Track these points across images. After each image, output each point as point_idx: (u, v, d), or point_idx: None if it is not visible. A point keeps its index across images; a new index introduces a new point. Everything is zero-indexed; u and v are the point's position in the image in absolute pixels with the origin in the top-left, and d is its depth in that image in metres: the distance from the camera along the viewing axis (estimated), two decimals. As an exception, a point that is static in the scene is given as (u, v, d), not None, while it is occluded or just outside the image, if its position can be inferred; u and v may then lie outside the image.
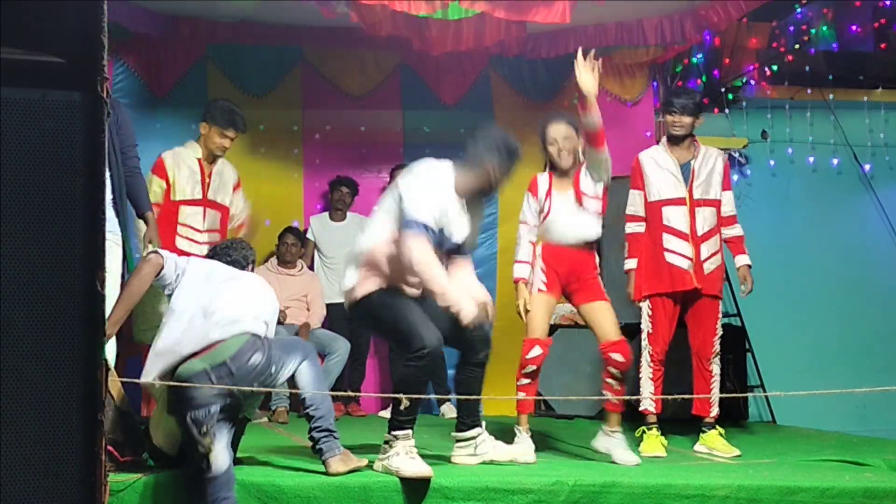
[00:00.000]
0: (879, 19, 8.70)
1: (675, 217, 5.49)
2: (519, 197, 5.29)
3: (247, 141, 6.73)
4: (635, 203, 5.62)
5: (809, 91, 8.50)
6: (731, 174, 6.07)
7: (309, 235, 7.54)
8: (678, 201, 5.49)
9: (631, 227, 5.63)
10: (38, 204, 2.32)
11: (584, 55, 4.87)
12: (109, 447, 3.82)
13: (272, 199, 7.57)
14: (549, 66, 8.03)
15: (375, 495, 4.03)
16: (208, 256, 4.64)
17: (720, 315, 5.61)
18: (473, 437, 4.60)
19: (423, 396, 4.32)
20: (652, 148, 5.76)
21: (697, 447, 5.50)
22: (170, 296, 4.22)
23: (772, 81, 8.46)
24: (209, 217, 6.16)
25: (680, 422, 5.93)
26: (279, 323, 5.98)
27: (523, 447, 4.82)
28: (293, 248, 7.25)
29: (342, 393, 5.80)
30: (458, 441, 4.64)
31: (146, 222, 5.42)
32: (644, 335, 5.54)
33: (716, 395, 5.49)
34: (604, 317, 4.99)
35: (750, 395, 7.40)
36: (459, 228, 4.47)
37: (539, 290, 5.04)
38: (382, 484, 4.07)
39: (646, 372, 5.45)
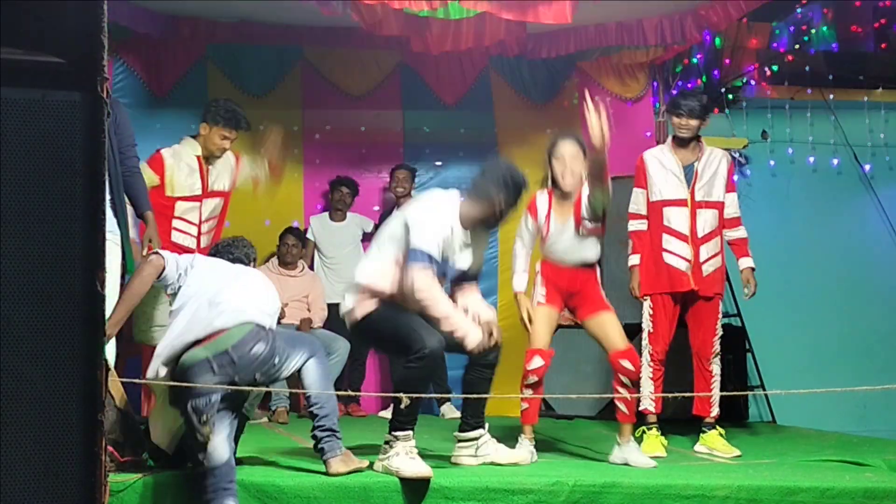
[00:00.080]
0: (879, 19, 8.70)
1: (676, 218, 5.49)
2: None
3: (247, 141, 6.72)
4: (638, 201, 5.62)
5: (809, 91, 8.48)
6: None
7: (309, 235, 7.54)
8: (680, 202, 5.49)
9: (634, 225, 5.64)
10: (38, 204, 2.31)
11: (593, 101, 4.49)
12: (109, 447, 3.82)
13: (272, 199, 7.56)
14: (549, 66, 8.03)
15: (375, 495, 4.04)
16: (211, 254, 4.68)
17: (720, 315, 5.61)
18: (475, 439, 4.61)
19: (423, 396, 4.32)
20: (657, 147, 5.76)
21: (697, 447, 5.50)
22: (172, 295, 4.24)
23: (772, 81, 8.45)
24: (208, 206, 6.13)
25: (680, 422, 5.93)
26: (277, 322, 5.97)
27: (525, 452, 4.81)
28: (294, 248, 7.24)
29: (344, 392, 5.80)
30: (459, 441, 4.64)
31: (146, 222, 5.41)
32: (645, 334, 5.55)
33: (716, 394, 5.49)
34: (610, 328, 4.94)
35: (750, 393, 7.40)
36: (463, 258, 4.53)
37: (539, 304, 5.01)
38: (382, 484, 4.08)
39: (646, 371, 5.43)
